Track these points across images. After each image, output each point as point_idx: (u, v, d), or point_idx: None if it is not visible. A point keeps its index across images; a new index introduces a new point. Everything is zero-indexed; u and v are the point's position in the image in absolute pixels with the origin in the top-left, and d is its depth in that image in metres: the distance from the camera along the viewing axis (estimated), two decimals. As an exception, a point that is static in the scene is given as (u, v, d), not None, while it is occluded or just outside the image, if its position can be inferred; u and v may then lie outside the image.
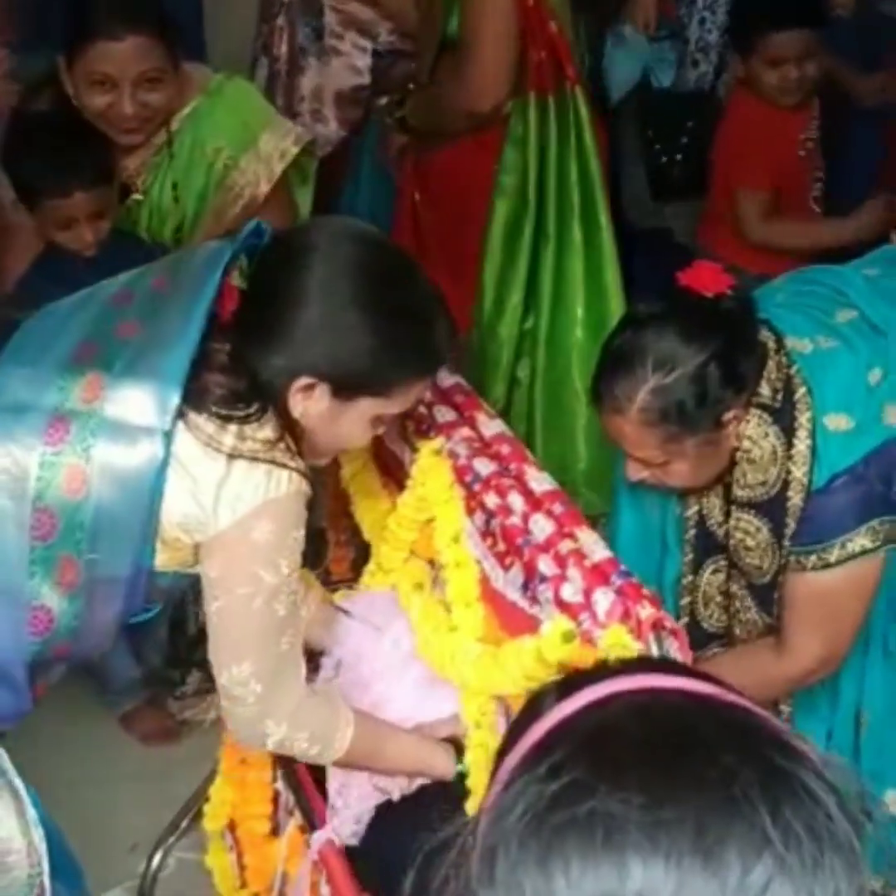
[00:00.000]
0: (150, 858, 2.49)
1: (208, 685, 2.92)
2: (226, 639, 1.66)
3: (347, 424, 1.64)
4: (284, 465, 1.57)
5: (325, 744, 1.72)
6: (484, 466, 1.73)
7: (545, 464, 2.16)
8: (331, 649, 1.95)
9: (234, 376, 1.57)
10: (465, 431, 1.82)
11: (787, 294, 2.05)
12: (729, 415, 1.87)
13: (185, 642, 2.88)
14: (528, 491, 1.68)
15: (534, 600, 1.58)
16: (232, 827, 2.24)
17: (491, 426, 1.84)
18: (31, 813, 1.62)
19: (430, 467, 1.78)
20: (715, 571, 2.11)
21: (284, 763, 1.99)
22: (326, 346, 1.58)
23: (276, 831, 2.07)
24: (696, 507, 2.10)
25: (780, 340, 1.93)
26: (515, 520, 1.63)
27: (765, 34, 2.99)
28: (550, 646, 1.49)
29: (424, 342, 1.65)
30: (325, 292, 1.58)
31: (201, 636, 2.89)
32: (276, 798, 2.07)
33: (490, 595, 1.73)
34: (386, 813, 1.86)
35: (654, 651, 1.43)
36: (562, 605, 1.50)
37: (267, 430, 1.57)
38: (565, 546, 1.55)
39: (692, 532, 2.12)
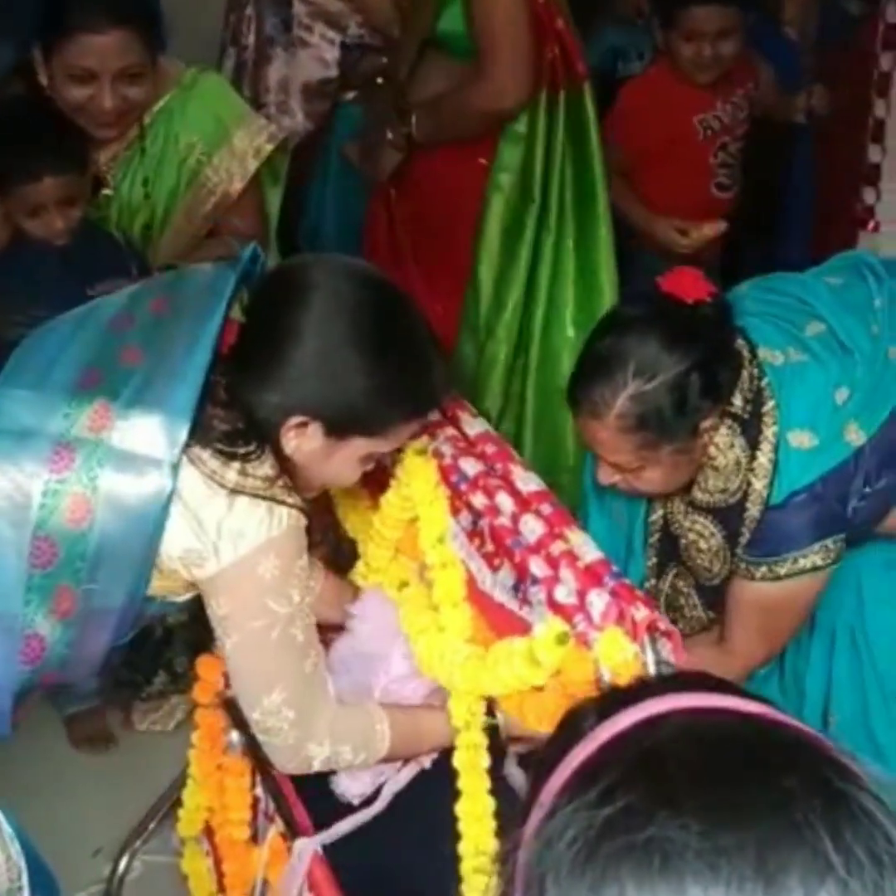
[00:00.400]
0: (116, 862, 2.46)
1: (172, 688, 2.91)
2: (250, 673, 1.65)
3: (339, 462, 1.64)
4: (283, 502, 1.57)
5: (368, 749, 1.72)
6: (470, 466, 1.71)
7: (535, 461, 2.14)
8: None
9: (233, 412, 1.57)
10: (449, 431, 1.80)
11: (754, 301, 2.04)
12: (706, 423, 1.87)
13: (151, 644, 2.85)
14: (515, 491, 1.66)
15: (524, 602, 1.56)
16: (209, 832, 2.21)
17: (475, 425, 1.81)
18: (6, 827, 1.59)
19: (415, 468, 1.76)
20: (677, 575, 2.11)
21: (263, 769, 1.96)
22: (321, 386, 1.57)
23: (255, 838, 2.04)
24: (660, 512, 2.10)
25: (753, 350, 1.93)
26: (504, 520, 1.61)
27: (685, 7, 3.02)
28: (544, 647, 1.47)
29: (420, 384, 1.64)
30: (322, 331, 1.56)
31: (167, 638, 2.87)
32: (255, 804, 2.04)
33: (476, 596, 1.70)
34: (369, 824, 1.84)
35: (649, 653, 1.41)
36: (555, 607, 1.48)
37: (266, 468, 1.57)
38: (557, 547, 1.53)
39: (656, 536, 2.13)
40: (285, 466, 1.60)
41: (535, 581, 1.52)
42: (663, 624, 1.44)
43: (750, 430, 1.90)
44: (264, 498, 1.55)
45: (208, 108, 2.44)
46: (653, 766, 0.65)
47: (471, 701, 1.69)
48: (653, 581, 2.13)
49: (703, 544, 2.00)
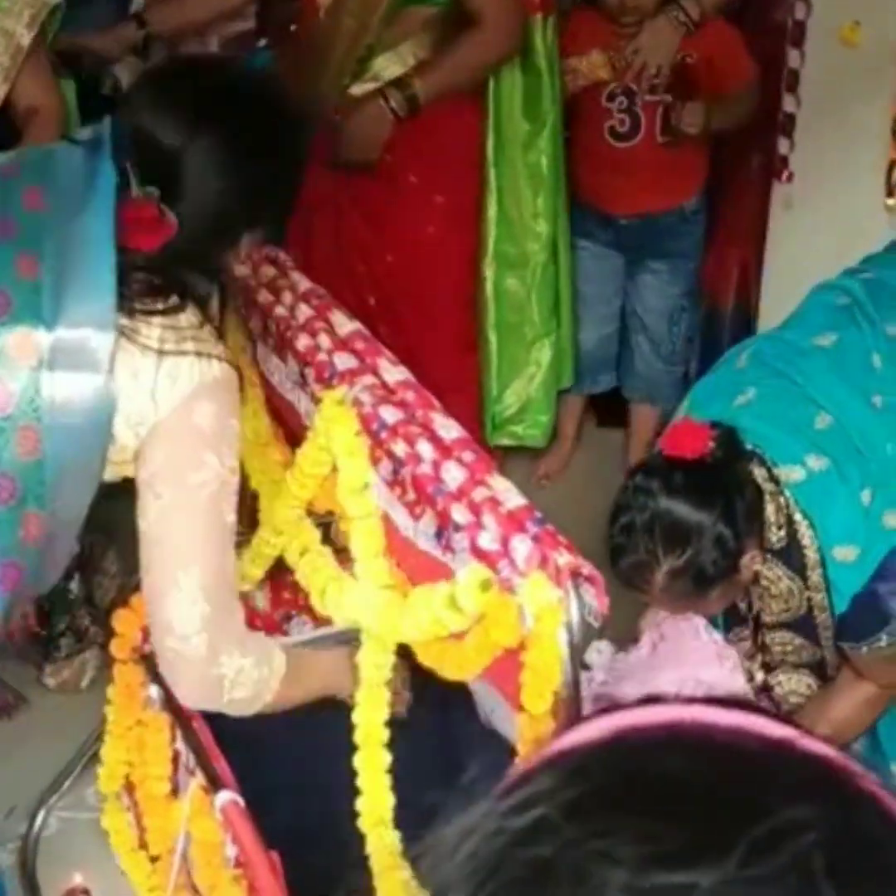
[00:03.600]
0: (31, 820, 2.44)
1: (80, 646, 2.86)
2: (171, 544, 1.64)
3: None
4: (211, 354, 1.60)
5: (270, 665, 1.73)
6: (390, 414, 1.69)
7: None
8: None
9: (149, 272, 1.59)
10: (368, 379, 1.77)
11: (758, 393, 2.02)
12: (746, 558, 1.91)
13: (64, 602, 2.80)
14: (436, 439, 1.64)
15: (448, 549, 1.55)
16: (129, 787, 2.19)
17: (394, 373, 1.79)
18: None
19: (333, 417, 1.74)
20: (739, 640, 2.16)
21: (184, 723, 1.95)
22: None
23: (176, 791, 2.03)
24: None
25: (771, 472, 1.93)
26: (426, 468, 1.60)
27: None
28: (467, 593, 1.47)
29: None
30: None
31: (87, 600, 2.82)
32: (175, 758, 2.02)
33: (398, 545, 1.70)
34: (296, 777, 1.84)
35: (573, 598, 1.41)
36: (479, 554, 1.47)
37: (189, 317, 1.60)
38: (479, 494, 1.52)
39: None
40: (208, 316, 1.65)
41: (457, 528, 1.51)
42: (586, 569, 1.44)
43: (792, 558, 1.94)
44: (192, 351, 1.58)
45: None
46: (605, 773, 0.49)
47: (379, 655, 1.70)
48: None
49: (788, 648, 2.07)
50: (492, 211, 2.99)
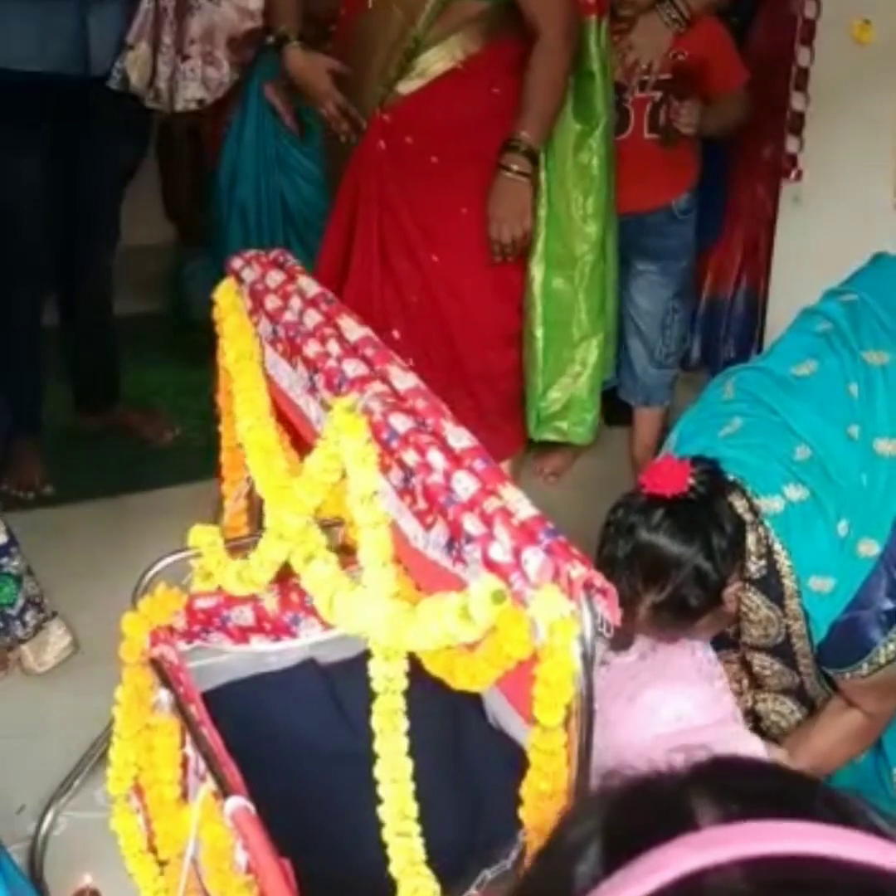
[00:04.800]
0: (40, 819, 2.45)
1: (43, 616, 2.82)
2: None
3: None
4: None
5: None
6: (400, 423, 1.69)
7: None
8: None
9: None
10: (378, 386, 1.77)
11: (742, 425, 2.04)
12: (730, 590, 1.94)
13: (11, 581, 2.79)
14: (447, 447, 1.64)
15: (459, 560, 1.54)
16: (138, 790, 2.19)
17: (405, 380, 1.79)
18: None
19: (343, 425, 1.73)
20: (726, 663, 2.19)
21: (193, 728, 1.95)
22: None
23: (185, 795, 2.03)
24: None
25: (752, 504, 1.95)
26: (437, 477, 1.59)
27: None
28: (479, 604, 1.46)
29: None
30: None
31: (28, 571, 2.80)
32: (184, 762, 2.02)
33: (407, 554, 1.69)
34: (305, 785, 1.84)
35: (586, 611, 1.41)
36: (490, 565, 1.47)
37: None
38: (491, 504, 1.52)
39: None
40: None
41: (469, 539, 1.51)
42: (599, 581, 1.43)
43: (771, 588, 1.97)
44: None
45: None
46: None
47: (390, 666, 1.69)
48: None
49: (767, 672, 2.10)
50: (542, 211, 2.98)
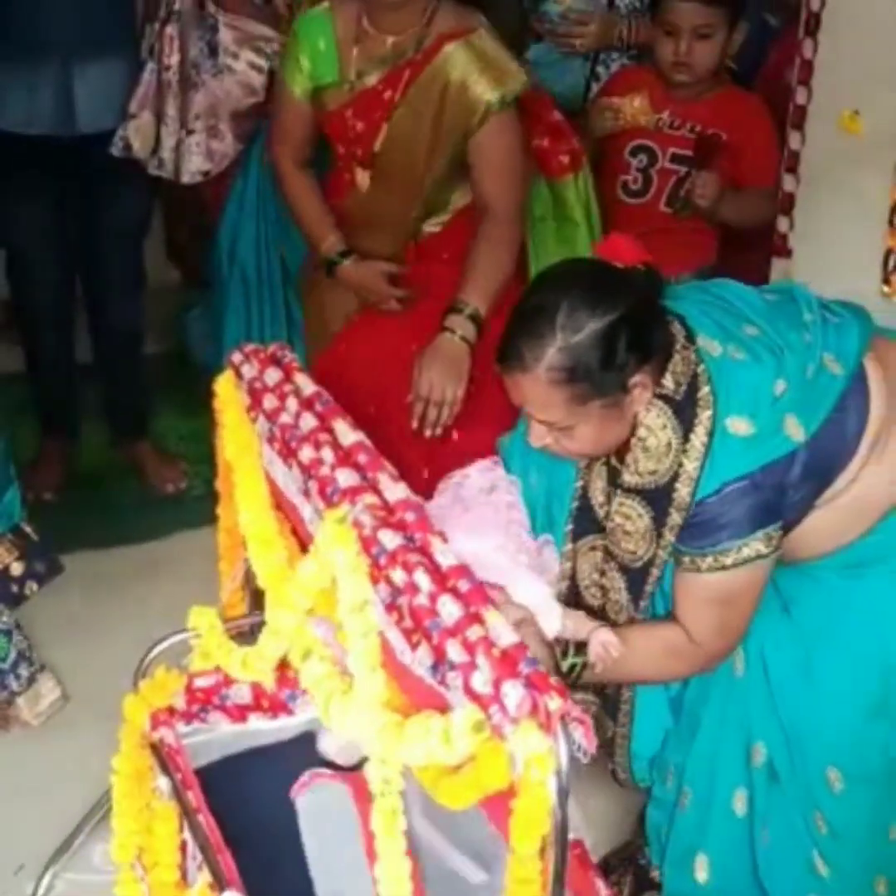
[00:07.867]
0: (38, 881, 2.49)
1: (33, 669, 2.87)
2: None
3: None
4: None
5: None
6: (389, 539, 1.74)
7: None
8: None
9: None
10: (369, 498, 1.82)
11: (692, 302, 2.08)
12: (635, 379, 1.93)
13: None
14: (434, 566, 1.69)
15: (442, 684, 1.60)
16: (141, 859, 2.24)
17: (395, 491, 1.84)
18: None
19: (335, 536, 1.78)
20: (592, 548, 2.18)
21: (191, 818, 2.00)
22: None
23: (185, 877, 2.08)
24: (581, 482, 2.14)
25: (690, 337, 1.98)
26: (423, 600, 1.64)
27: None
28: (460, 733, 1.52)
29: None
30: None
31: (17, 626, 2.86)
32: (183, 846, 2.08)
33: (395, 665, 1.74)
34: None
35: (562, 744, 1.46)
36: (472, 695, 1.52)
37: None
38: (474, 632, 1.57)
39: (575, 504, 2.17)
40: None
41: (452, 666, 1.56)
42: (576, 712, 1.49)
43: (683, 412, 1.95)
44: None
45: None
46: None
47: (388, 770, 1.74)
48: (570, 545, 2.20)
49: (629, 527, 2.05)
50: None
